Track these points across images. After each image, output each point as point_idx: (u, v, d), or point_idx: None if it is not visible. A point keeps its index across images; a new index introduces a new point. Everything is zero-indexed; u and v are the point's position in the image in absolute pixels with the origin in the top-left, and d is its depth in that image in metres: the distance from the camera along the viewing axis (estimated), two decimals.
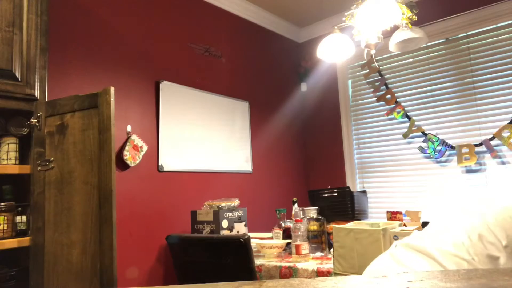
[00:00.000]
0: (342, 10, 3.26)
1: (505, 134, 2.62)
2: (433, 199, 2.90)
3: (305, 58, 3.72)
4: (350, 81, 3.52)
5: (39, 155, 1.59)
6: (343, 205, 2.37)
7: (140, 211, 2.28)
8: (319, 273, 1.77)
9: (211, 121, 2.82)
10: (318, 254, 2.03)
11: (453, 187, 2.85)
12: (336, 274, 1.60)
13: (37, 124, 1.60)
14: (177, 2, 2.72)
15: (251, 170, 3.10)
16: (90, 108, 1.51)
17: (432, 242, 0.56)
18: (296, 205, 2.36)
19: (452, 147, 2.85)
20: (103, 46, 2.26)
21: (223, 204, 2.32)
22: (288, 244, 2.15)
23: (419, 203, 2.94)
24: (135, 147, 2.25)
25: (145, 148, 2.31)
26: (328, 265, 1.79)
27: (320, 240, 2.06)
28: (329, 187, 2.60)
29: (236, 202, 2.41)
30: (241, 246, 1.71)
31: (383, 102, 3.26)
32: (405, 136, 3.10)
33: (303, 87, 3.71)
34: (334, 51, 2.22)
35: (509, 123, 2.62)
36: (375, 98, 3.32)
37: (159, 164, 2.42)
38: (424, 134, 3.00)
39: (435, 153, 2.92)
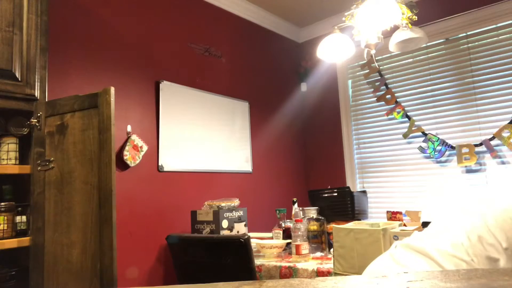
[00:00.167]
0: (342, 10, 3.26)
1: (505, 134, 2.62)
2: (433, 199, 2.90)
3: (305, 58, 3.72)
4: (350, 81, 3.52)
5: (39, 155, 1.59)
6: (343, 205, 2.37)
7: (140, 211, 2.28)
8: (319, 273, 1.77)
9: (211, 121, 2.82)
10: (318, 254, 2.03)
11: (453, 187, 2.85)
12: (336, 274, 1.60)
13: (37, 124, 1.60)
14: (177, 2, 2.72)
15: (251, 170, 3.10)
16: (90, 108, 1.51)
17: (432, 243, 0.56)
18: (296, 205, 2.36)
19: (452, 147, 2.85)
20: (103, 46, 2.26)
21: (223, 204, 2.32)
22: (288, 244, 2.15)
23: (419, 203, 2.94)
24: (135, 147, 2.25)
25: (145, 148, 2.31)
26: (328, 265, 1.79)
27: (320, 240, 2.06)
28: (329, 187, 2.60)
29: (236, 202, 2.41)
30: (241, 246, 1.71)
31: (383, 102, 3.26)
32: (405, 136, 3.10)
33: (303, 87, 3.71)
34: (334, 51, 2.22)
35: (509, 123, 2.62)
36: (375, 98, 3.32)
37: (159, 164, 2.42)
38: (424, 134, 3.00)
39: (435, 153, 2.92)
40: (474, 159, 2.74)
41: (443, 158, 2.92)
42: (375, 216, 3.15)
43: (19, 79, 1.54)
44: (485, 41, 2.80)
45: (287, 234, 2.25)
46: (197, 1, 2.87)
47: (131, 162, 2.22)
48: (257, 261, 1.98)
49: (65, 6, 2.11)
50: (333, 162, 3.52)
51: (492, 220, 0.54)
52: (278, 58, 3.58)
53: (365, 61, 3.32)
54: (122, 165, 2.21)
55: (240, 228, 2.35)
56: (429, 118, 3.01)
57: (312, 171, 3.67)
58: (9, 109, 1.55)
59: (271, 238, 2.33)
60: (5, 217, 1.50)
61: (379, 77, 3.29)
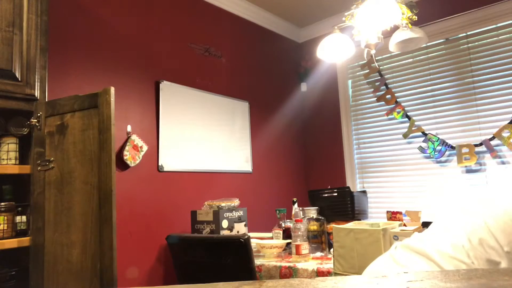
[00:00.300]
0: (342, 10, 3.26)
1: (505, 134, 2.62)
2: (433, 199, 2.90)
3: (305, 58, 3.72)
4: (350, 81, 3.52)
5: (39, 155, 1.59)
6: (343, 205, 2.37)
7: (140, 211, 2.28)
8: (319, 273, 1.77)
9: (211, 121, 2.82)
10: (318, 254, 2.03)
11: (453, 187, 2.85)
12: (336, 274, 1.60)
13: (37, 124, 1.60)
14: (177, 2, 2.72)
15: (251, 170, 3.10)
16: (90, 108, 1.51)
17: (432, 244, 0.56)
18: (296, 205, 2.36)
19: (452, 147, 2.85)
20: (103, 46, 2.26)
21: (223, 204, 2.32)
22: (288, 244, 2.15)
23: (419, 203, 2.94)
24: (135, 147, 2.25)
25: (145, 148, 2.31)
26: (328, 265, 1.79)
27: (320, 240, 2.06)
28: (329, 187, 2.60)
29: (236, 202, 2.41)
30: (241, 246, 1.71)
31: (383, 102, 3.26)
32: (405, 136, 3.10)
33: (303, 87, 3.71)
34: (334, 51, 2.22)
35: (509, 123, 2.62)
36: (375, 98, 3.32)
37: (159, 164, 2.42)
38: (424, 134, 3.00)
39: (435, 153, 2.92)
40: (474, 159, 2.74)
41: (443, 158, 2.92)
42: (375, 216, 3.15)
43: (19, 79, 1.54)
44: (485, 41, 2.80)
45: (287, 234, 2.25)
46: (197, 1, 2.87)
47: (131, 162, 2.22)
48: (257, 261, 1.98)
49: (65, 6, 2.11)
50: (333, 162, 3.52)
51: (493, 222, 0.53)
52: (278, 58, 3.58)
53: (365, 61, 3.32)
54: (122, 165, 2.21)
55: (240, 228, 2.35)
56: (429, 118, 3.01)
57: (312, 171, 3.67)
58: (9, 109, 1.55)
59: (271, 238, 2.33)
60: (5, 217, 1.50)
61: (379, 77, 3.29)
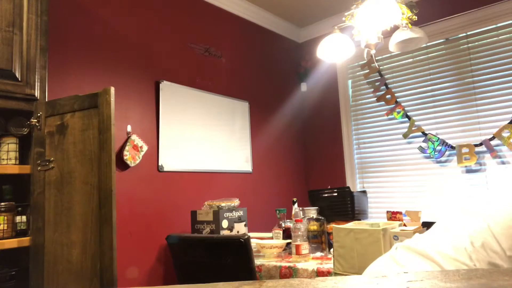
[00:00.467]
0: (342, 10, 3.26)
1: (505, 134, 2.62)
2: (433, 199, 2.90)
3: (305, 58, 3.72)
4: (350, 81, 3.52)
5: (39, 155, 1.59)
6: (343, 205, 2.37)
7: (140, 211, 2.28)
8: (319, 273, 1.77)
9: (211, 121, 2.82)
10: (318, 254, 2.03)
11: (453, 187, 2.85)
12: (336, 274, 1.60)
13: (37, 124, 1.60)
14: (177, 2, 2.72)
15: (251, 170, 3.10)
16: (90, 108, 1.51)
17: (433, 245, 0.56)
18: (296, 205, 2.36)
19: (452, 147, 2.85)
20: (103, 46, 2.26)
21: (223, 204, 2.31)
22: (288, 244, 2.15)
23: (419, 203, 2.94)
24: (135, 147, 2.25)
25: (145, 148, 2.31)
26: (328, 265, 1.79)
27: (320, 240, 2.06)
28: (329, 187, 2.60)
29: (236, 202, 2.41)
30: (241, 246, 1.71)
31: (383, 102, 3.26)
32: (405, 136, 3.10)
33: (303, 87, 3.71)
34: (334, 51, 2.22)
35: (509, 123, 2.62)
36: (375, 98, 3.32)
37: (159, 164, 2.42)
38: (424, 134, 3.00)
39: (435, 153, 2.92)
40: (474, 159, 2.74)
41: (443, 158, 2.92)
42: (375, 216, 3.15)
43: (19, 79, 1.54)
44: (485, 41, 2.80)
45: (287, 234, 2.25)
46: (197, 1, 2.87)
47: (131, 162, 2.22)
48: (257, 261, 1.98)
49: (65, 6, 2.11)
50: (333, 162, 3.52)
51: (496, 226, 0.53)
52: (278, 58, 3.58)
53: (365, 61, 3.32)
54: (122, 165, 2.21)
55: (240, 228, 2.35)
56: (429, 118, 3.01)
57: (312, 171, 3.67)
58: (9, 109, 1.55)
59: (271, 238, 2.33)
60: (5, 217, 1.50)
61: (379, 77, 3.29)
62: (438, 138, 2.92)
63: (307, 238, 2.00)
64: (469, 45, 2.87)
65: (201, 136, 2.72)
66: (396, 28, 2.13)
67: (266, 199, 3.17)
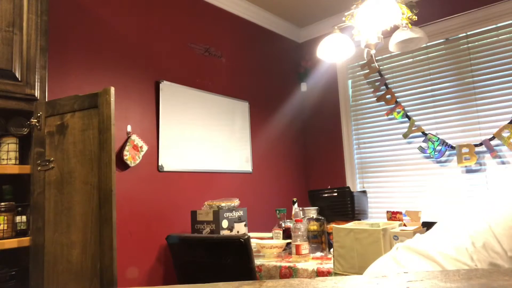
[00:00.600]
0: (342, 10, 3.26)
1: (505, 134, 2.62)
2: (433, 199, 2.90)
3: (305, 58, 3.72)
4: (350, 81, 3.52)
5: (39, 155, 1.59)
6: (343, 205, 2.36)
7: (140, 211, 2.28)
8: (319, 273, 1.77)
9: (211, 121, 2.82)
10: (318, 254, 2.03)
11: (453, 187, 2.85)
12: (336, 274, 1.60)
13: (37, 124, 1.60)
14: (177, 2, 2.72)
15: (251, 170, 3.10)
16: (90, 108, 1.51)
17: (434, 246, 0.56)
18: (296, 205, 2.36)
19: (452, 147, 2.85)
20: (103, 46, 2.26)
21: (223, 204, 2.31)
22: (288, 244, 2.15)
23: (419, 203, 2.94)
24: (135, 147, 2.25)
25: (145, 148, 2.31)
26: (328, 265, 1.79)
27: (320, 240, 2.06)
28: (329, 187, 2.60)
29: (236, 202, 2.41)
30: (241, 246, 1.71)
31: (383, 102, 3.26)
32: (405, 136, 3.10)
33: (303, 87, 3.71)
34: (334, 51, 2.22)
35: (509, 123, 2.62)
36: (375, 98, 3.32)
37: (159, 164, 2.42)
38: (424, 134, 3.00)
39: (435, 153, 2.92)
40: (474, 159, 2.74)
41: (443, 158, 2.92)
42: (375, 216, 3.15)
43: (19, 79, 1.54)
44: (485, 41, 2.80)
45: (287, 234, 2.25)
46: (197, 1, 2.87)
47: (131, 162, 2.22)
48: (257, 261, 1.98)
49: (65, 6, 2.11)
50: (333, 162, 3.52)
51: (497, 226, 0.53)
52: (278, 58, 3.58)
53: (365, 61, 3.32)
54: (122, 165, 2.21)
55: (240, 228, 2.35)
56: (429, 118, 3.01)
57: (312, 171, 3.67)
58: (9, 109, 1.55)
59: (271, 238, 2.33)
60: (5, 217, 1.50)
61: (379, 77, 3.29)
62: (438, 138, 2.92)
63: (307, 238, 2.00)
64: (469, 45, 2.87)
65: (201, 136, 2.72)
66: (396, 28, 2.13)
67: (266, 199, 3.17)
